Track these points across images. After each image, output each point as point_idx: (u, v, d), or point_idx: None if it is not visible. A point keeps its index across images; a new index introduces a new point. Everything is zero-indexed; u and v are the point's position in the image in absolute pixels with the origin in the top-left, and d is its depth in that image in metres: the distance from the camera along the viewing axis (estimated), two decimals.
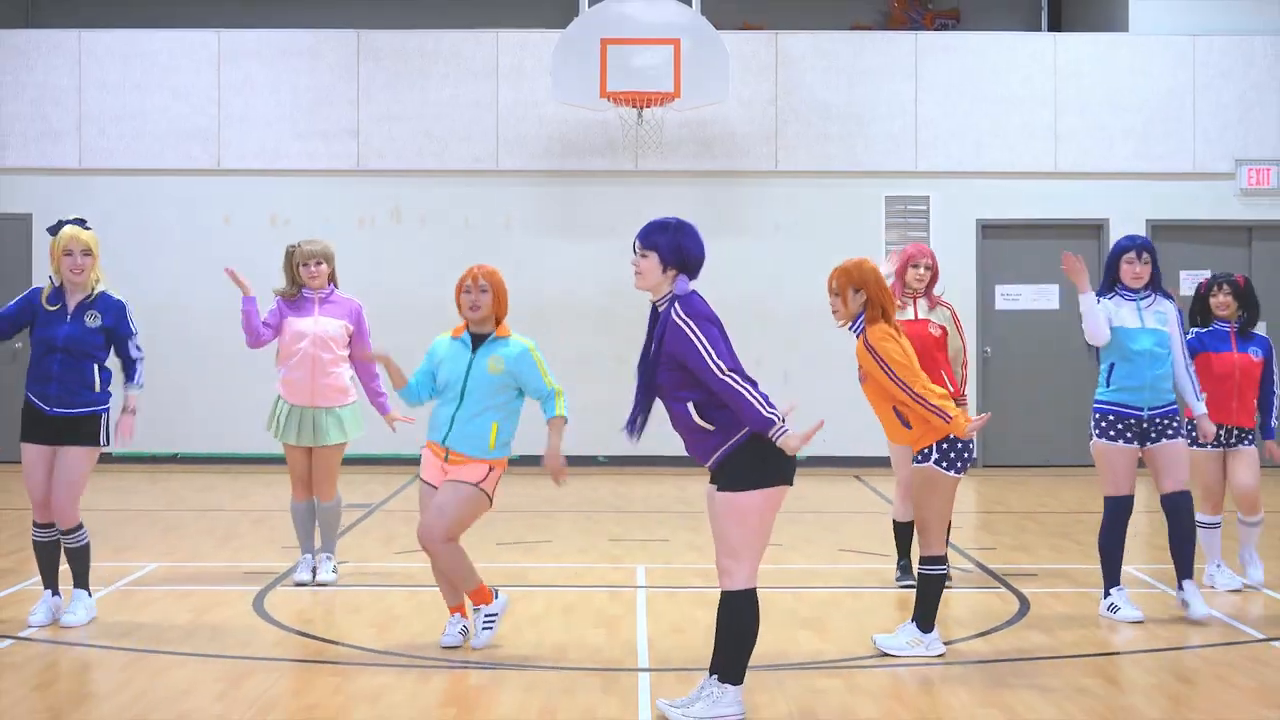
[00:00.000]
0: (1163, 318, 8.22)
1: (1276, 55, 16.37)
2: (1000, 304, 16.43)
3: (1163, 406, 8.18)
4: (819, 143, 16.39)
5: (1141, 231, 16.27)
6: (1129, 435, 8.19)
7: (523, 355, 7.43)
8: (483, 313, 7.40)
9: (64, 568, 8.26)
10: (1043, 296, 16.26)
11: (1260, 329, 9.39)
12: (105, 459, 8.51)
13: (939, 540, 7.41)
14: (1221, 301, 9.13)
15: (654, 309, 6.24)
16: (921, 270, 9.13)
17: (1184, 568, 8.24)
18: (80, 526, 8.08)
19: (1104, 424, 8.26)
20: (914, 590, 8.90)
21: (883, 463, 15.78)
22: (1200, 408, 8.48)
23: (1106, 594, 8.33)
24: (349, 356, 9.28)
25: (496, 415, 7.39)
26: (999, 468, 15.92)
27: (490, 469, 7.40)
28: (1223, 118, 16.39)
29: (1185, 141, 16.43)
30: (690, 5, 15.60)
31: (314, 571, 9.34)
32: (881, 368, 7.17)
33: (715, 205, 15.99)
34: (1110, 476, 8.22)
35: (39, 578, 9.02)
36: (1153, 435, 8.18)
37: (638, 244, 6.23)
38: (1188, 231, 16.19)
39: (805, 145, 16.38)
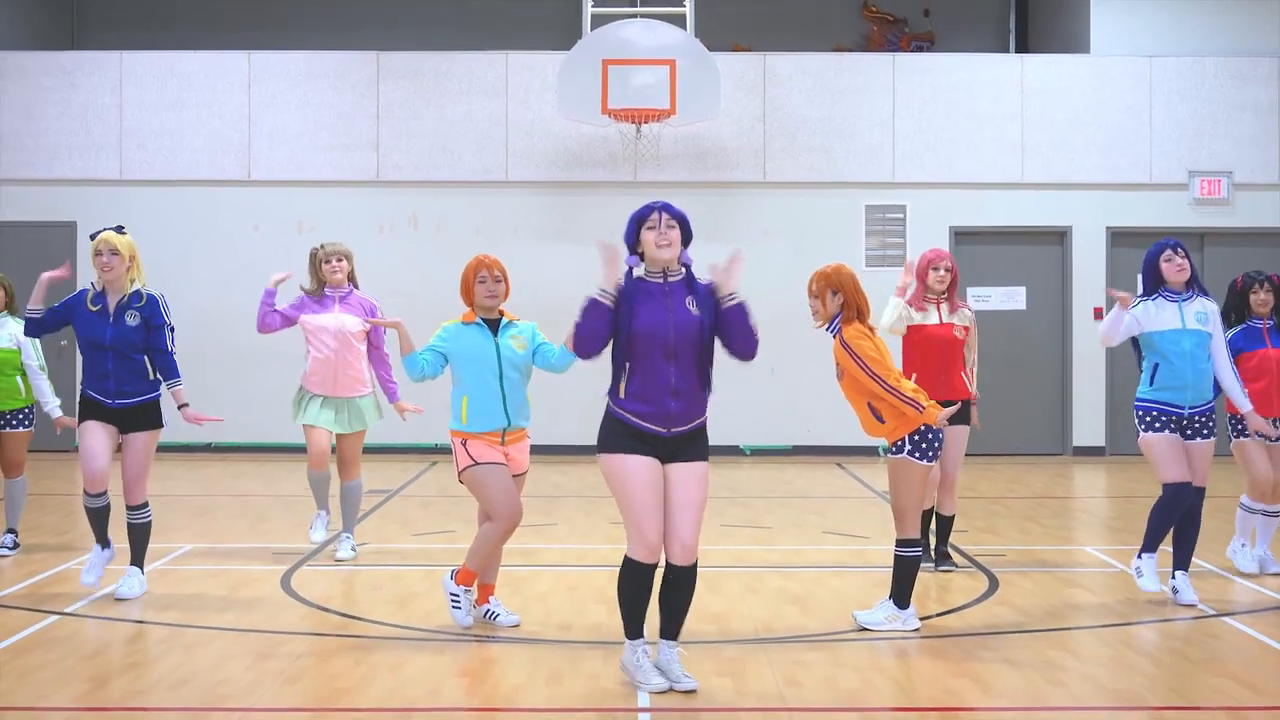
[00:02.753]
0: (1204, 317, 7.96)
1: (1227, 75, 16.37)
2: (972, 305, 16.28)
3: (1203, 405, 7.96)
4: (804, 155, 16.38)
5: (1101, 237, 16.32)
6: (1172, 427, 7.96)
7: (536, 331, 7.53)
8: (499, 301, 7.44)
9: (122, 546, 8.30)
10: (1011, 298, 16.26)
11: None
12: None
13: (914, 525, 7.41)
14: (1262, 299, 8.87)
15: (663, 282, 6.27)
16: (941, 273, 8.97)
17: (1182, 560, 8.08)
18: (146, 505, 8.15)
19: (1148, 419, 7.99)
20: (952, 573, 8.95)
21: (862, 451, 15.87)
22: (1247, 404, 8.21)
23: (1139, 556, 8.11)
24: (367, 349, 9.36)
25: (525, 385, 7.49)
26: (970, 456, 15.82)
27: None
28: (1177, 132, 16.39)
29: (1142, 154, 16.43)
30: (685, 29, 15.61)
31: (329, 538, 9.43)
32: (858, 364, 7.17)
33: (708, 213, 15.96)
34: (1163, 464, 7.94)
35: (83, 558, 9.06)
36: (1189, 432, 7.98)
37: (666, 214, 6.27)
38: (1145, 238, 15.98)
39: (791, 158, 16.37)
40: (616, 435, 6.20)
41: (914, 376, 8.79)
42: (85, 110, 16.38)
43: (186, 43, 17.44)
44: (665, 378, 6.15)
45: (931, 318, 8.95)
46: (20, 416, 9.73)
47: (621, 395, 6.20)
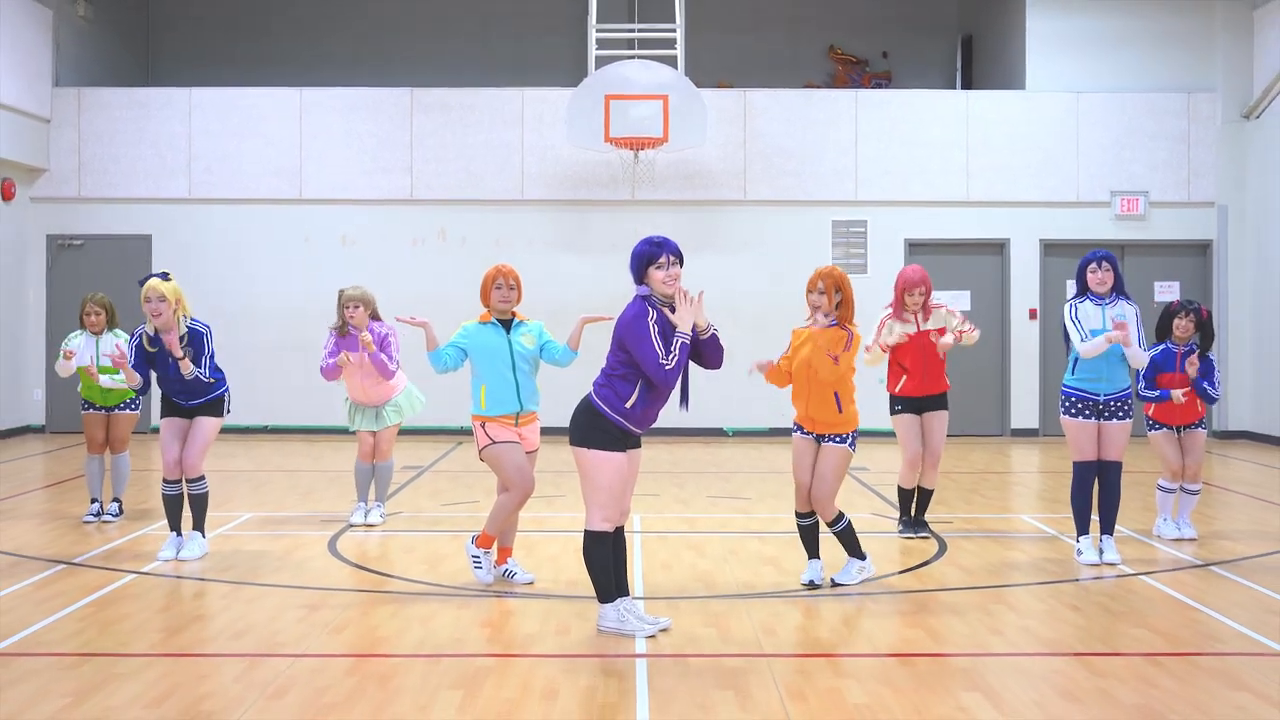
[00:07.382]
0: (1120, 317, 7.89)
1: (1144, 108, 16.35)
2: None
3: (1116, 392, 7.93)
4: (778, 177, 16.35)
5: (1035, 249, 16.30)
6: (1088, 413, 7.95)
7: (543, 330, 7.56)
8: (512, 305, 7.45)
9: (187, 513, 8.30)
10: (957, 301, 16.20)
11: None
12: None
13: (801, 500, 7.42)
14: (1183, 326, 8.70)
15: (663, 306, 6.21)
16: (916, 295, 8.82)
17: (1107, 525, 8.08)
18: (203, 478, 8.23)
19: (1068, 404, 7.99)
20: (913, 541, 8.91)
21: None
22: (1140, 354, 7.88)
23: (1076, 540, 8.16)
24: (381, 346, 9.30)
25: (535, 375, 7.47)
26: None
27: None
28: (1100, 157, 16.37)
29: (1070, 177, 16.41)
30: (676, 68, 15.57)
31: (365, 515, 9.46)
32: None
33: (695, 227, 15.97)
34: (1074, 445, 7.99)
35: (155, 526, 9.05)
36: (1106, 414, 7.95)
37: (675, 257, 6.18)
38: (1073, 249, 16.14)
39: (767, 179, 16.34)
40: (611, 435, 6.17)
41: (903, 380, 8.87)
42: (158, 138, 16.33)
43: (246, 80, 17.42)
44: (662, 395, 6.21)
45: (910, 328, 8.91)
46: (125, 402, 9.72)
47: (628, 406, 6.15)
